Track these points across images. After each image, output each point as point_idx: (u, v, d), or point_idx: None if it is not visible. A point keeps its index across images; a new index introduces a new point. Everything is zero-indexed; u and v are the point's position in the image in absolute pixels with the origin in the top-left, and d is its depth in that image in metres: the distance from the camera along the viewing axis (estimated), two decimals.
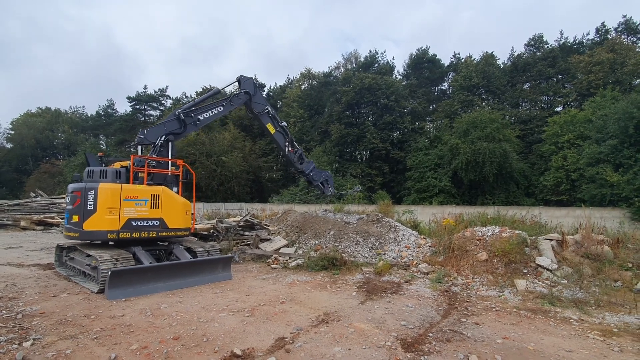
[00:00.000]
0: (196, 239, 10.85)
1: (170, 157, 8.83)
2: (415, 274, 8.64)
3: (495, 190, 27.19)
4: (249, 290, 6.93)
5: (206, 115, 9.85)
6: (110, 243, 8.01)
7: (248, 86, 10.81)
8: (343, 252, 10.33)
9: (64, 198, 23.23)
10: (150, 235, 7.92)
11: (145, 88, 50.44)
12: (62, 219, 19.82)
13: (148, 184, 8.13)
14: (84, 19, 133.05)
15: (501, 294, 6.93)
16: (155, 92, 51.97)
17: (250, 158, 37.44)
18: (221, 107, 10.20)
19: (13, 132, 50.84)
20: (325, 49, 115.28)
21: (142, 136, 8.62)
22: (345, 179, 33.28)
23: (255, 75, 59.89)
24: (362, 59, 46.76)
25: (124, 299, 6.05)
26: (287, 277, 8.26)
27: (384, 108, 35.91)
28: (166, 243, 8.66)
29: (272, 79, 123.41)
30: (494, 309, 5.89)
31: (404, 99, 36.78)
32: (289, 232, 12.68)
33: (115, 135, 48.96)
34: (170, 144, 8.94)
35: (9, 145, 50.41)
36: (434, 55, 43.15)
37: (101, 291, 6.38)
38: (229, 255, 8.99)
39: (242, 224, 13.52)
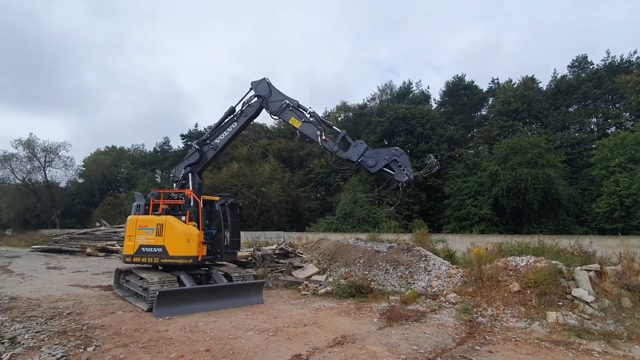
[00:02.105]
0: (235, 265, 11.73)
1: (190, 188, 9.41)
2: (443, 304, 8.66)
3: (542, 218, 25.57)
4: (277, 313, 7.48)
5: (222, 137, 10.00)
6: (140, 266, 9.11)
7: (261, 90, 9.91)
8: (372, 281, 10.55)
9: (123, 227, 25.76)
10: (154, 261, 8.74)
11: (196, 126, 55.08)
12: (121, 246, 22.00)
13: (154, 214, 9.08)
14: (148, 66, 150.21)
15: (529, 325, 6.80)
16: (204, 128, 56.61)
17: (289, 188, 38.86)
18: (235, 123, 9.96)
19: (84, 168, 57.64)
20: (364, 79, 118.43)
21: (171, 175, 9.97)
22: (381, 207, 33.24)
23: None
24: (396, 90, 47.71)
25: (168, 317, 6.90)
26: (314, 303, 8.69)
27: (419, 136, 35.96)
28: (206, 268, 9.57)
29: (319, 110, 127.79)
30: (513, 340, 5.87)
31: (439, 126, 36.63)
32: (320, 260, 13.15)
33: (169, 169, 53.65)
34: (190, 175, 9.60)
35: (80, 180, 57.02)
36: (471, 81, 42.97)
37: (150, 310, 7.30)
38: (261, 281, 9.65)
39: (277, 252, 14.28)
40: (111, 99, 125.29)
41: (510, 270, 9.30)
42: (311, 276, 11.63)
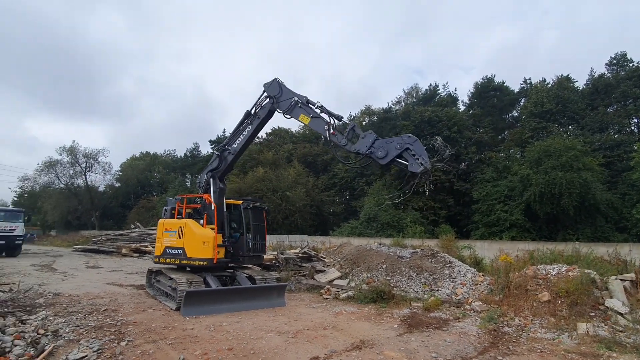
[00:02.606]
0: (259, 268, 12.03)
1: (212, 193, 9.68)
2: (467, 312, 8.47)
3: (578, 224, 24.18)
4: (298, 316, 7.63)
5: (239, 141, 10.24)
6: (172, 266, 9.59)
7: (272, 90, 9.84)
8: (394, 287, 10.47)
9: (155, 229, 26.98)
10: (174, 262, 9.19)
11: (224, 131, 56.70)
12: (153, 247, 23.06)
13: (178, 217, 9.58)
14: (182, 74, 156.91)
15: (557, 336, 6.54)
16: (230, 134, 58.30)
17: (313, 192, 39.15)
18: (250, 127, 10.07)
19: (121, 173, 60.94)
20: (392, 82, 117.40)
21: (197, 180, 10.44)
22: (406, 212, 32.74)
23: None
24: (422, 92, 46.98)
25: (194, 316, 7.22)
26: (335, 307, 8.77)
27: (446, 140, 35.14)
28: (231, 270, 9.89)
29: (343, 115, 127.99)
30: (539, 351, 5.67)
31: (467, 129, 35.68)
32: (343, 265, 13.20)
33: (198, 174, 55.53)
34: (211, 180, 9.92)
35: (117, 185, 60.30)
36: (502, 82, 41.56)
37: (178, 309, 7.67)
38: (284, 284, 9.85)
39: (300, 255, 14.47)
40: (146, 106, 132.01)
41: (540, 279, 8.96)
42: (333, 280, 11.70)
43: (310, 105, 9.41)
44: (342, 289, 10.73)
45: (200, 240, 8.83)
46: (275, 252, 14.93)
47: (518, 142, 33.59)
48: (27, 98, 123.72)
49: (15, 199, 59.89)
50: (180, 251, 9.05)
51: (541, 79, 38.83)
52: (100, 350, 4.94)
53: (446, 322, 7.51)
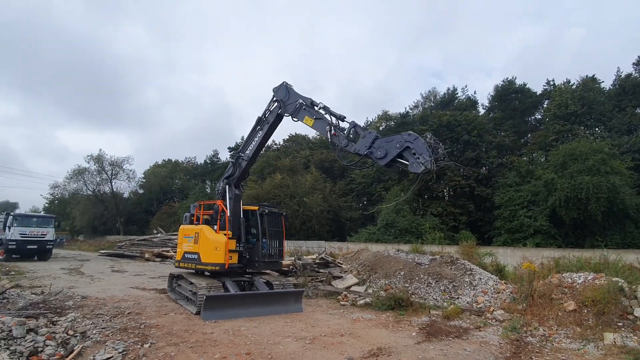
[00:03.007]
0: (277, 274, 12.14)
1: (227, 199, 9.81)
2: (489, 321, 8.28)
3: (607, 230, 23.07)
4: (315, 322, 7.66)
5: (251, 147, 10.33)
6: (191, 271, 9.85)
7: (280, 94, 9.84)
8: (413, 294, 10.34)
9: (176, 235, 27.66)
10: (192, 267, 9.42)
11: (242, 138, 57.77)
12: (175, 252, 23.64)
13: (195, 224, 9.86)
14: (202, 83, 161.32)
15: (583, 347, 6.29)
16: None
17: (330, 198, 39.17)
18: (261, 132, 10.10)
19: (144, 180, 62.96)
20: (410, 86, 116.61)
21: (215, 188, 10.70)
22: (425, 218, 32.21)
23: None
24: (440, 96, 46.39)
25: (214, 321, 7.38)
26: (353, 314, 8.74)
27: (466, 144, 34.57)
28: (249, 275, 10.03)
29: (360, 120, 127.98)
30: None
31: (487, 133, 34.91)
32: (360, 271, 13.14)
33: (217, 181, 56.62)
34: (227, 187, 10.12)
35: (141, 191, 62.27)
36: (523, 84, 40.53)
37: (198, 313, 7.85)
38: (301, 289, 9.90)
39: (317, 261, 14.51)
40: (168, 115, 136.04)
41: (566, 287, 8.67)
42: (350, 287, 11.67)
43: (314, 106, 9.27)
44: (360, 296, 10.68)
45: (212, 245, 9.05)
46: (293, 258, 15.02)
47: (541, 146, 32.57)
48: (59, 110, 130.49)
49: (47, 205, 62.82)
50: (195, 256, 9.31)
51: (565, 80, 37.62)
52: (125, 352, 5.14)
53: (466, 331, 7.35)
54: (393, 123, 45.17)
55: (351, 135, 8.91)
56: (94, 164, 52.65)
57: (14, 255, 21.27)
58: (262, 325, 7.21)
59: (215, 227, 9.46)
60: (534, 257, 16.05)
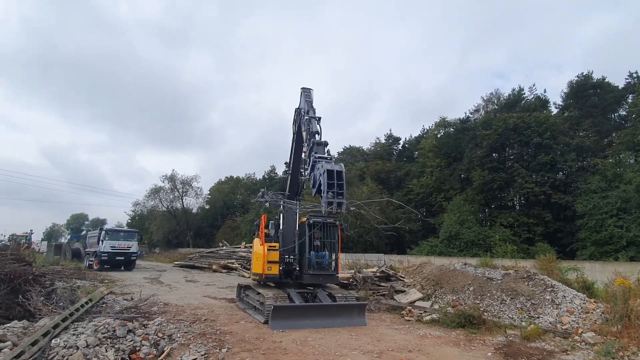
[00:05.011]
0: (338, 286, 12.17)
1: (281, 213, 10.37)
2: (577, 344, 7.39)
3: None
4: (380, 336, 7.52)
5: (291, 162, 10.73)
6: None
7: (301, 104, 9.89)
8: (485, 311, 9.68)
9: (239, 248, 29.21)
10: (249, 277, 9.67)
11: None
12: (239, 264, 24.93)
13: (257, 237, 10.31)
14: (260, 102, 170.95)
15: None
16: (305, 156, 60.87)
17: (387, 210, 38.37)
18: (293, 143, 10.32)
19: (210, 196, 67.87)
20: (471, 89, 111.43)
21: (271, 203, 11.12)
22: (493, 229, 29.93)
23: (391, 130, 62.01)
24: (504, 98, 43.35)
25: (281, 330, 7.63)
26: (419, 330, 8.42)
27: (537, 147, 31.72)
28: (312, 287, 10.20)
29: (416, 128, 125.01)
30: None
31: (563, 134, 31.67)
32: (424, 285, 12.62)
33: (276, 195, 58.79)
34: (281, 200, 10.54)
35: (207, 207, 67.14)
36: (602, 78, 36.18)
37: (266, 322, 8.19)
38: (364, 302, 9.80)
39: (378, 274, 14.24)
40: (230, 135, 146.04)
41: None
42: (414, 301, 11.26)
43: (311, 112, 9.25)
44: (425, 311, 10.24)
45: (255, 257, 9.82)
46: (353, 271, 14.94)
47: (629, 145, 28.55)
48: (139, 136, 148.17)
49: (129, 221, 70.57)
50: (251, 267, 10.03)
51: None
52: (207, 355, 5.59)
53: (551, 354, 6.65)
54: (452, 129, 43.19)
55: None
56: (168, 183, 58.29)
57: (105, 266, 24.18)
58: (328, 337, 7.27)
59: (267, 239, 10.07)
60: (628, 273, 13.99)
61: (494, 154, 35.53)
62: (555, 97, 46.97)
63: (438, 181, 39.11)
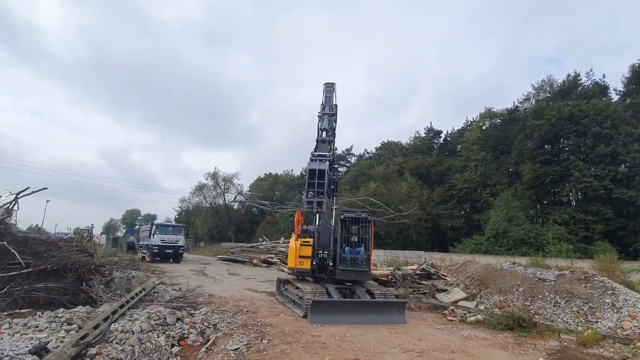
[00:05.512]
0: (376, 283, 12.03)
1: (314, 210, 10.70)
2: (639, 351, 6.71)
3: None
4: (421, 335, 7.32)
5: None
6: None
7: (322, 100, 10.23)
8: (536, 314, 9.14)
9: (278, 243, 29.92)
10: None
11: (335, 149, 59.69)
12: (279, 259, 25.54)
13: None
14: (297, 98, 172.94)
15: None
16: (342, 152, 60.79)
17: (428, 206, 37.16)
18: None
19: (250, 193, 70.07)
20: (520, 77, 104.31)
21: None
22: (545, 226, 27.92)
23: (431, 123, 60.13)
24: (558, 85, 40.06)
25: (320, 325, 7.70)
26: (463, 330, 8.09)
27: (596, 137, 29.03)
28: (350, 283, 10.18)
29: (459, 120, 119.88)
30: None
31: (625, 122, 28.65)
32: (468, 285, 12.12)
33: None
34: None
35: (247, 203, 69.44)
36: None
37: (305, 316, 8.30)
38: (404, 300, 9.59)
39: (418, 272, 13.88)
40: (269, 132, 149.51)
41: None
42: (458, 301, 10.83)
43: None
44: (470, 312, 9.82)
45: (290, 251, 10.22)
46: (392, 268, 14.69)
47: None
48: (185, 135, 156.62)
49: (176, 216, 74.89)
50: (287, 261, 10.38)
51: None
52: (249, 345, 5.79)
53: None
54: (499, 120, 40.78)
55: None
56: (211, 180, 61.01)
57: (156, 258, 25.90)
58: (367, 333, 7.22)
59: (305, 234, 10.36)
60: None
61: (546, 146, 33.08)
62: (616, 83, 42.53)
63: (483, 176, 37.18)
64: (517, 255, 22.55)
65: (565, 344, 7.16)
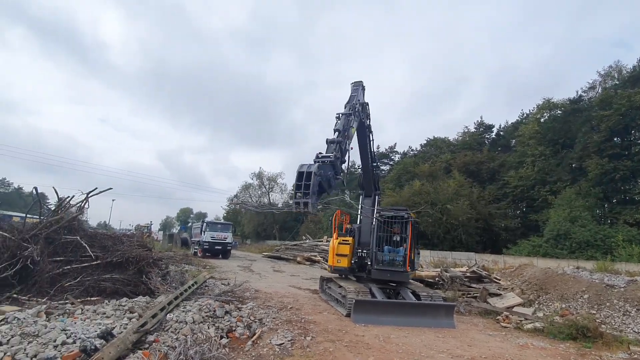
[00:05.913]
0: (422, 284, 11.64)
1: (359, 208, 10.92)
2: None
3: None
4: (471, 341, 6.95)
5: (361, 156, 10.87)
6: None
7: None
8: (602, 323, 8.32)
9: (321, 241, 30.12)
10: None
11: (377, 147, 58.71)
12: (322, 257, 25.73)
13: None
14: (339, 97, 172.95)
15: None
16: (385, 149, 59.63)
17: (478, 205, 35.09)
18: (357, 138, 10.34)
19: (292, 192, 71.38)
20: (582, 65, 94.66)
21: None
22: (615, 228, 25.14)
23: (482, 117, 56.94)
24: (627, 71, 35.78)
25: (363, 324, 7.62)
26: (518, 338, 7.55)
27: None
28: (395, 284, 9.95)
29: (514, 113, 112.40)
30: None
31: None
32: (524, 290, 11.33)
33: (355, 190, 59.03)
34: (362, 196, 10.96)
35: (291, 202, 70.80)
36: None
37: (348, 315, 8.26)
38: (452, 303, 9.18)
39: (468, 274, 13.20)
40: (311, 132, 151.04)
41: None
42: (512, 307, 10.14)
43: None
44: (527, 318, 9.14)
45: (330, 249, 10.55)
46: (439, 270, 14.12)
47: None
48: (232, 137, 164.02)
49: (225, 215, 78.59)
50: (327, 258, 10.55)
51: None
52: (293, 341, 5.90)
53: None
54: (560, 112, 37.41)
55: None
56: (256, 180, 63.16)
57: (207, 254, 27.38)
58: (412, 336, 7.01)
59: (341, 232, 10.76)
60: None
61: (615, 139, 29.78)
62: None
63: (542, 172, 34.35)
64: (581, 259, 20.54)
65: (635, 356, 6.47)
